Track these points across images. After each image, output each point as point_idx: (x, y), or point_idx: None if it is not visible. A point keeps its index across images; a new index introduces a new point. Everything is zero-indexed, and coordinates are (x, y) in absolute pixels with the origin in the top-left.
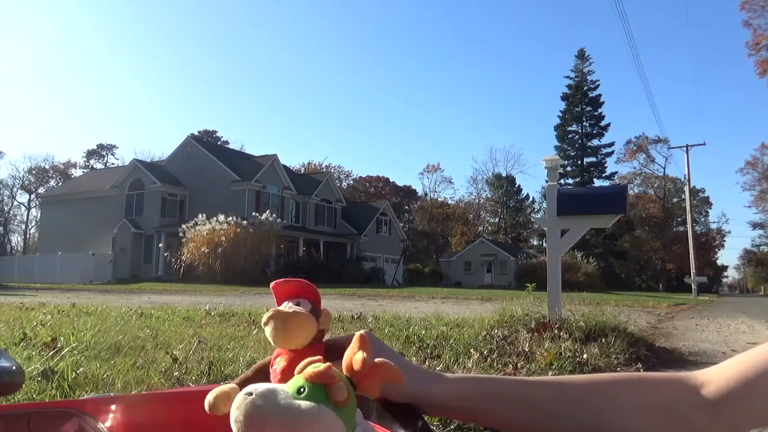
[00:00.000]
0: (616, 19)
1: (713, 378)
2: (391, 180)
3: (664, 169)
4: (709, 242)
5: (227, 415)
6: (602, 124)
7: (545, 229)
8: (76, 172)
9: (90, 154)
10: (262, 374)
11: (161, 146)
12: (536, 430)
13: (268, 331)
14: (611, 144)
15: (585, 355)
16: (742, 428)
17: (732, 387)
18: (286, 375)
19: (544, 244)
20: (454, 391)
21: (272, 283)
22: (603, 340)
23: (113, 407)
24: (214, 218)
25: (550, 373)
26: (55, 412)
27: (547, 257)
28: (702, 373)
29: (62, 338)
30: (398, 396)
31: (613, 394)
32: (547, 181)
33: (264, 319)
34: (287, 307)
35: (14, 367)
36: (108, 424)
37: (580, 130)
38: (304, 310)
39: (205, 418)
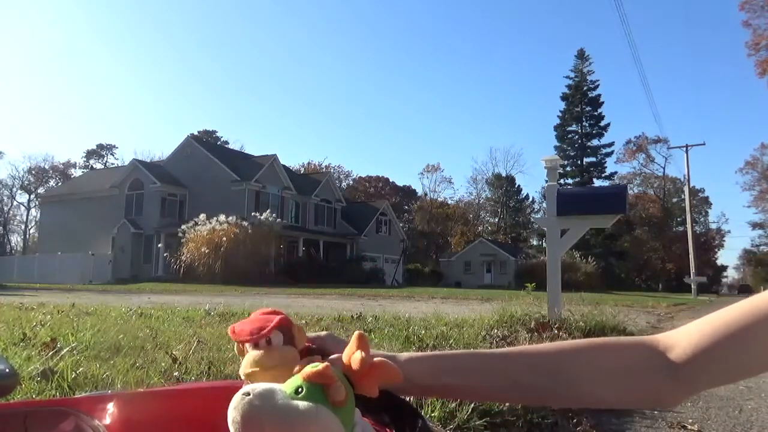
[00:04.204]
0: (616, 19)
1: (678, 341)
2: (390, 180)
3: (664, 169)
4: (709, 242)
5: (225, 412)
6: (602, 124)
7: (545, 229)
8: (76, 172)
9: (90, 154)
10: None
11: (161, 146)
12: (506, 399)
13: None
14: (611, 144)
15: None
16: (703, 389)
17: (698, 350)
18: None
19: (544, 244)
20: (421, 370)
21: (231, 329)
22: None
23: (110, 405)
24: (214, 218)
25: None
26: (51, 410)
27: (547, 257)
28: (666, 337)
29: (62, 338)
30: None
31: (579, 361)
32: (547, 181)
33: (242, 376)
34: (257, 356)
35: (7, 370)
36: (105, 422)
37: (579, 130)
38: (277, 343)
39: (201, 416)
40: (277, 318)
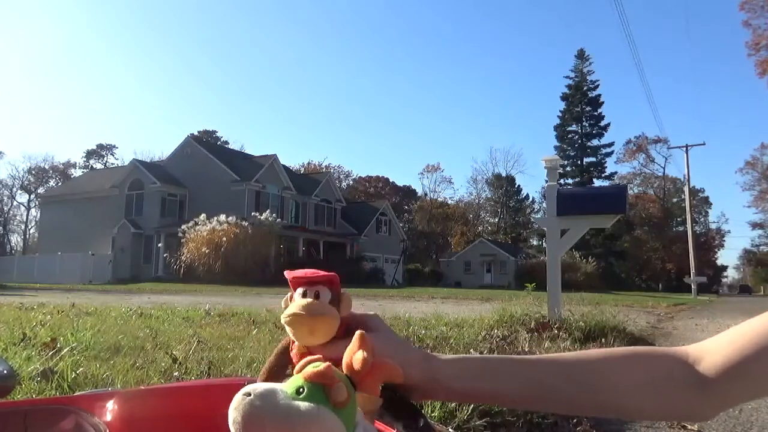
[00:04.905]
0: (616, 19)
1: (707, 354)
2: (390, 180)
3: (664, 169)
4: (709, 242)
5: (224, 410)
6: (602, 124)
7: (545, 229)
8: (76, 172)
9: (90, 154)
10: (284, 356)
11: (161, 146)
12: (531, 405)
13: (289, 330)
14: (611, 144)
15: None
16: (734, 404)
17: (729, 364)
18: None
19: (544, 244)
20: (451, 373)
21: (288, 274)
22: (602, 340)
23: (110, 402)
24: (215, 218)
25: None
26: (52, 408)
27: (547, 257)
28: (695, 349)
29: (62, 338)
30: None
31: (607, 371)
32: (547, 181)
33: (284, 319)
34: (305, 302)
35: (5, 371)
36: (105, 419)
37: (579, 130)
38: (324, 302)
39: (201, 413)
40: (330, 275)
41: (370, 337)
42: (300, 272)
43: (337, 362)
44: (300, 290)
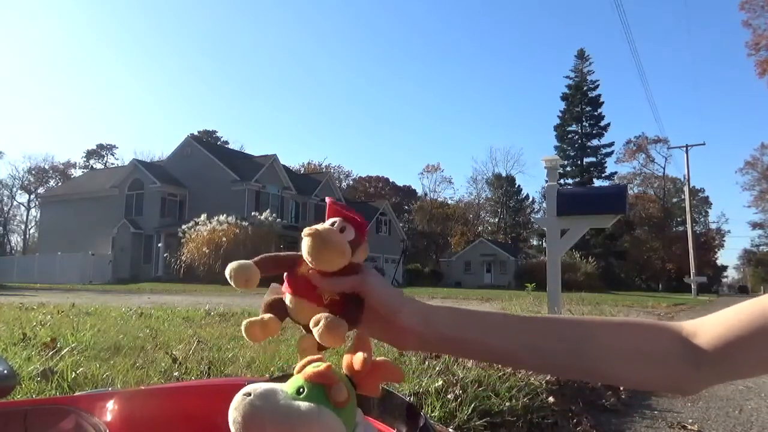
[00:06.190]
0: (616, 19)
1: (702, 330)
2: (390, 180)
3: (664, 169)
4: (709, 242)
5: (224, 410)
6: (602, 124)
7: (545, 229)
8: (76, 172)
9: (90, 154)
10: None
11: (161, 146)
12: (521, 363)
13: (304, 243)
14: (611, 144)
15: None
16: (723, 381)
17: (723, 341)
18: (303, 286)
19: (544, 244)
20: (448, 318)
21: (329, 199)
22: None
23: (110, 403)
24: (215, 218)
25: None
26: (52, 408)
27: (547, 257)
28: (690, 324)
29: (62, 338)
30: (406, 334)
31: (600, 335)
32: (547, 181)
33: (305, 231)
34: (329, 226)
35: (5, 371)
36: (105, 419)
37: (579, 130)
38: (346, 237)
39: (201, 413)
40: (362, 222)
41: (373, 278)
42: (340, 204)
43: (333, 300)
44: (332, 219)
